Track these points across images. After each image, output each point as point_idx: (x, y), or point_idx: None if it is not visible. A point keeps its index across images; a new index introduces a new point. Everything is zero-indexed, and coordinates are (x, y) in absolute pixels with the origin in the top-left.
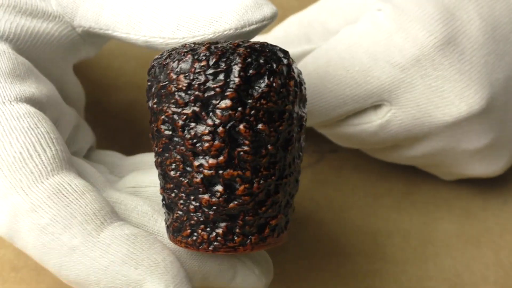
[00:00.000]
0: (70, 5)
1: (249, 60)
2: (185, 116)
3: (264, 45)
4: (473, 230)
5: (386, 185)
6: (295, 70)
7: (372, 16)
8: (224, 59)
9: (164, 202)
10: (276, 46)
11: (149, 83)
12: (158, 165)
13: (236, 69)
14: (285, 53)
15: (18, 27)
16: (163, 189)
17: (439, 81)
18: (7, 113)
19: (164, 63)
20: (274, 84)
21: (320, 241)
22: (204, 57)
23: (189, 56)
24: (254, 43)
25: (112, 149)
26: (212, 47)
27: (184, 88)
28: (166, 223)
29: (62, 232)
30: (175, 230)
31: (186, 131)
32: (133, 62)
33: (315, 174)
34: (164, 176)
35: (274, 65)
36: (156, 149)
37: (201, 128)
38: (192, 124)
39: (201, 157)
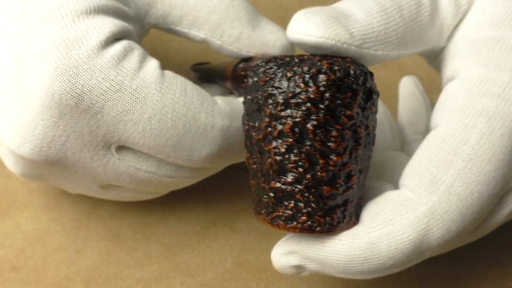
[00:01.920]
0: (144, 7)
1: (363, 77)
2: (317, 122)
3: (368, 69)
4: None
5: None
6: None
7: None
8: (345, 74)
9: (272, 195)
10: (368, 69)
11: (271, 91)
12: (277, 163)
13: (356, 83)
14: (371, 73)
15: (119, 27)
16: (278, 183)
17: None
18: None
19: (289, 75)
20: (374, 96)
21: None
22: (331, 72)
23: (315, 70)
24: (360, 64)
25: None
26: (331, 63)
27: (317, 98)
28: (269, 215)
29: None
30: (288, 219)
31: (317, 135)
32: None
33: None
34: (280, 172)
35: (373, 83)
36: (276, 150)
37: (330, 132)
38: (323, 128)
39: (328, 155)
